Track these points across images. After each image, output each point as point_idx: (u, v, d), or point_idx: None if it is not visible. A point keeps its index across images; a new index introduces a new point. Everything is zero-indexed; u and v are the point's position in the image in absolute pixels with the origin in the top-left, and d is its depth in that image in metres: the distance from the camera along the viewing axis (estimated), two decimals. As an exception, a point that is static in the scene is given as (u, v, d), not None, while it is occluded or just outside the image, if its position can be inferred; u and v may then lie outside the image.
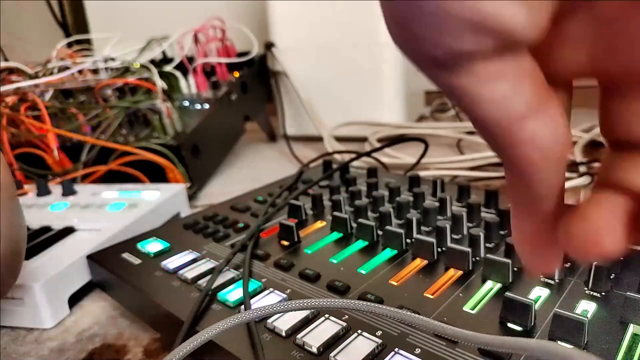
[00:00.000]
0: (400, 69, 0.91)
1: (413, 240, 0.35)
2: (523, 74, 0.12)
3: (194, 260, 0.36)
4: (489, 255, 0.30)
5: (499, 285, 0.29)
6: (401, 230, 0.35)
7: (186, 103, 0.79)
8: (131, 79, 0.78)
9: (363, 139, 0.91)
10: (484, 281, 0.30)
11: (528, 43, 0.11)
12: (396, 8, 0.11)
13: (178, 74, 0.85)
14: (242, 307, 0.29)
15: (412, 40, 0.12)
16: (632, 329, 0.24)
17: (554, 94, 0.13)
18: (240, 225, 0.42)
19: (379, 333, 0.25)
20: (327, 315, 0.27)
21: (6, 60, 1.37)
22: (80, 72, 0.86)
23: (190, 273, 0.34)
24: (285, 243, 0.38)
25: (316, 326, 0.26)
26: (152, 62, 0.91)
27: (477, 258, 0.33)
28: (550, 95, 0.13)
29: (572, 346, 0.23)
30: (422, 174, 0.61)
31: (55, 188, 0.60)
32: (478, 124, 0.13)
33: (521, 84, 0.12)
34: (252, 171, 0.82)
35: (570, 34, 0.12)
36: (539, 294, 0.28)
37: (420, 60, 0.12)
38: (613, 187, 0.14)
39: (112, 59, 0.91)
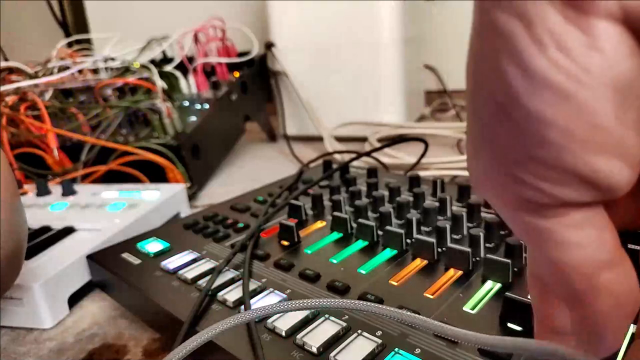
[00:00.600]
0: (400, 69, 0.91)
1: (413, 240, 0.35)
2: (604, 225, 0.13)
3: (194, 260, 0.36)
4: (489, 255, 0.30)
5: (499, 285, 0.29)
6: (401, 230, 0.35)
7: (186, 103, 0.79)
8: (131, 79, 0.78)
9: (363, 139, 0.91)
10: (484, 281, 0.30)
11: (615, 197, 0.12)
12: (507, 156, 0.12)
13: (178, 74, 0.85)
14: (242, 307, 0.29)
15: (514, 186, 0.12)
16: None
17: (624, 249, 0.13)
18: (240, 225, 0.42)
19: (379, 333, 0.25)
20: (327, 315, 0.27)
21: (6, 60, 1.37)
22: (80, 72, 0.86)
23: (190, 273, 0.34)
24: (285, 243, 0.38)
25: (316, 326, 0.26)
26: (152, 62, 0.92)
27: (477, 258, 0.33)
28: (623, 250, 0.13)
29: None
30: (422, 174, 0.61)
31: (55, 188, 0.60)
32: (554, 267, 0.13)
33: (603, 234, 0.13)
34: (252, 171, 0.82)
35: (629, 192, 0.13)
36: (539, 294, 0.28)
37: (512, 204, 0.13)
38: None
39: (112, 59, 0.91)
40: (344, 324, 0.26)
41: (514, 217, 0.13)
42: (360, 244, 0.37)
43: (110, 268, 0.37)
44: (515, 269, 0.30)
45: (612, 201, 0.12)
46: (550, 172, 0.12)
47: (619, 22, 0.10)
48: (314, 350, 0.24)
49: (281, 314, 0.27)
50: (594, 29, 0.10)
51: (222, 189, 0.73)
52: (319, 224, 0.41)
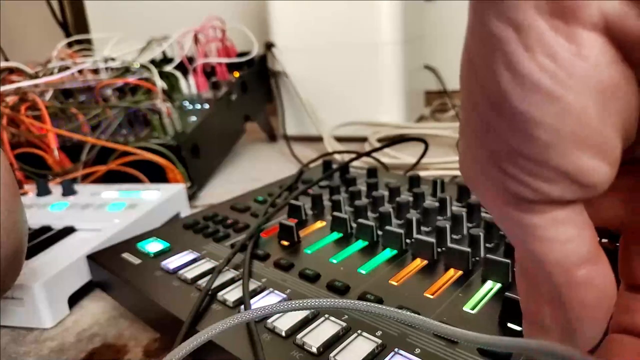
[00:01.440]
0: (400, 69, 0.91)
1: (413, 240, 0.35)
2: (584, 223, 0.13)
3: (194, 260, 0.36)
4: (489, 255, 0.30)
5: (499, 285, 0.29)
6: (401, 230, 0.35)
7: (186, 103, 0.79)
8: (131, 79, 0.78)
9: (363, 139, 0.91)
10: (484, 281, 0.30)
11: (594, 195, 0.13)
12: (497, 152, 0.13)
13: (178, 74, 0.85)
14: (242, 307, 0.29)
15: (502, 181, 0.13)
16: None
17: (601, 247, 0.14)
18: (240, 225, 0.42)
19: (379, 333, 0.25)
20: (327, 315, 0.27)
21: (6, 60, 1.37)
22: (80, 72, 0.86)
23: (190, 273, 0.34)
24: (285, 243, 0.38)
25: (316, 326, 0.26)
26: (152, 62, 0.92)
27: (477, 258, 0.33)
28: (600, 247, 0.14)
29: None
30: (422, 174, 0.61)
31: (55, 188, 0.60)
32: (536, 261, 0.14)
33: (583, 231, 0.13)
34: (252, 171, 0.82)
35: (612, 188, 0.14)
36: (539, 294, 0.28)
37: (499, 198, 0.13)
38: (631, 331, 0.16)
39: (112, 59, 0.91)
40: (344, 324, 0.26)
41: (500, 211, 0.14)
42: (360, 244, 0.37)
43: (110, 268, 0.37)
44: (515, 269, 0.30)
45: (592, 200, 0.13)
46: (537, 168, 0.12)
47: (601, 32, 0.11)
48: (314, 350, 0.24)
49: (281, 314, 0.27)
50: (579, 38, 0.11)
51: (222, 189, 0.73)
52: (319, 224, 0.41)
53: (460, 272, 0.31)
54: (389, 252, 0.35)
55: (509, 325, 0.25)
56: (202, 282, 0.33)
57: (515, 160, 0.12)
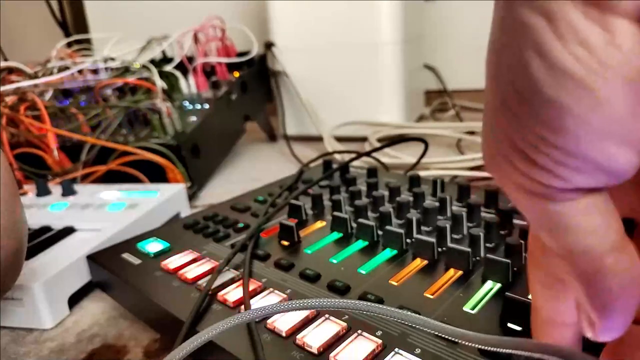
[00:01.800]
0: (400, 68, 0.91)
1: (413, 240, 0.35)
2: (610, 210, 0.13)
3: (194, 260, 0.36)
4: (489, 255, 0.30)
5: (499, 285, 0.29)
6: (401, 230, 0.35)
7: (186, 103, 0.79)
8: (131, 79, 0.78)
9: (363, 139, 0.91)
10: (484, 281, 0.30)
11: (620, 182, 0.13)
12: (524, 141, 0.13)
13: (178, 73, 0.85)
14: (242, 307, 0.29)
15: (528, 169, 0.13)
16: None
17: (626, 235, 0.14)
18: (241, 225, 0.42)
19: (379, 333, 0.25)
20: (327, 315, 0.27)
21: (6, 60, 1.37)
22: (80, 72, 0.86)
23: (190, 273, 0.34)
24: (286, 243, 0.38)
25: (316, 326, 0.26)
26: (152, 62, 0.92)
27: (477, 258, 0.33)
28: (626, 235, 0.14)
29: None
30: (422, 174, 0.61)
31: (55, 188, 0.60)
32: (563, 250, 0.14)
33: (609, 219, 0.13)
34: (252, 171, 0.82)
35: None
36: (539, 294, 0.28)
37: (524, 187, 0.13)
38: None
39: (112, 59, 0.91)
40: (344, 324, 0.26)
41: (525, 200, 0.14)
42: (360, 244, 0.37)
43: (110, 268, 0.37)
44: (515, 269, 0.30)
45: (615, 188, 0.13)
46: (565, 157, 0.12)
47: (635, 21, 0.11)
48: (314, 350, 0.24)
49: (281, 314, 0.27)
50: (613, 27, 0.11)
51: (222, 189, 0.73)
52: (319, 224, 0.41)
53: (460, 272, 0.31)
54: (389, 252, 0.35)
55: (509, 325, 0.25)
56: (202, 282, 0.33)
57: (542, 149, 0.12)
